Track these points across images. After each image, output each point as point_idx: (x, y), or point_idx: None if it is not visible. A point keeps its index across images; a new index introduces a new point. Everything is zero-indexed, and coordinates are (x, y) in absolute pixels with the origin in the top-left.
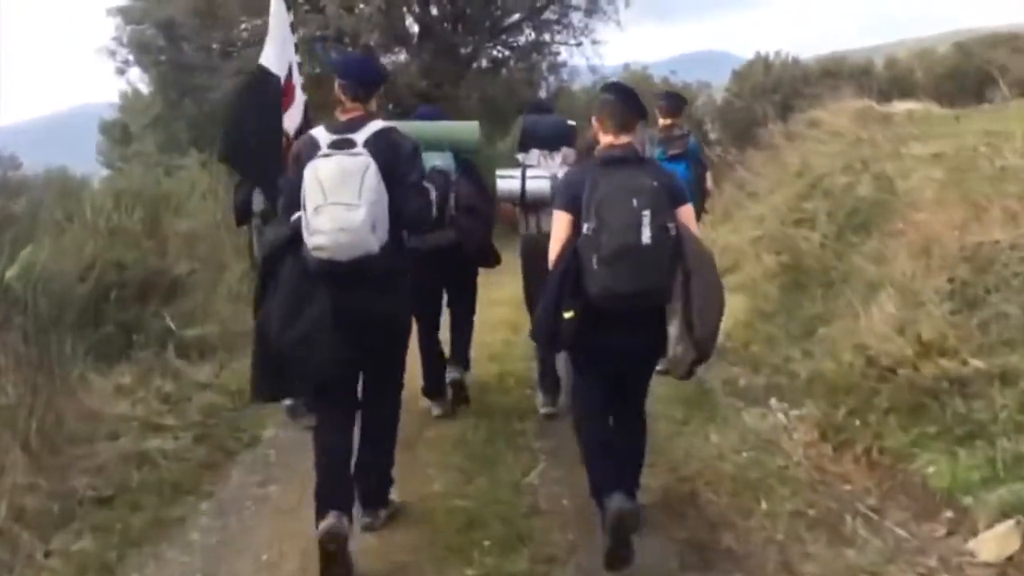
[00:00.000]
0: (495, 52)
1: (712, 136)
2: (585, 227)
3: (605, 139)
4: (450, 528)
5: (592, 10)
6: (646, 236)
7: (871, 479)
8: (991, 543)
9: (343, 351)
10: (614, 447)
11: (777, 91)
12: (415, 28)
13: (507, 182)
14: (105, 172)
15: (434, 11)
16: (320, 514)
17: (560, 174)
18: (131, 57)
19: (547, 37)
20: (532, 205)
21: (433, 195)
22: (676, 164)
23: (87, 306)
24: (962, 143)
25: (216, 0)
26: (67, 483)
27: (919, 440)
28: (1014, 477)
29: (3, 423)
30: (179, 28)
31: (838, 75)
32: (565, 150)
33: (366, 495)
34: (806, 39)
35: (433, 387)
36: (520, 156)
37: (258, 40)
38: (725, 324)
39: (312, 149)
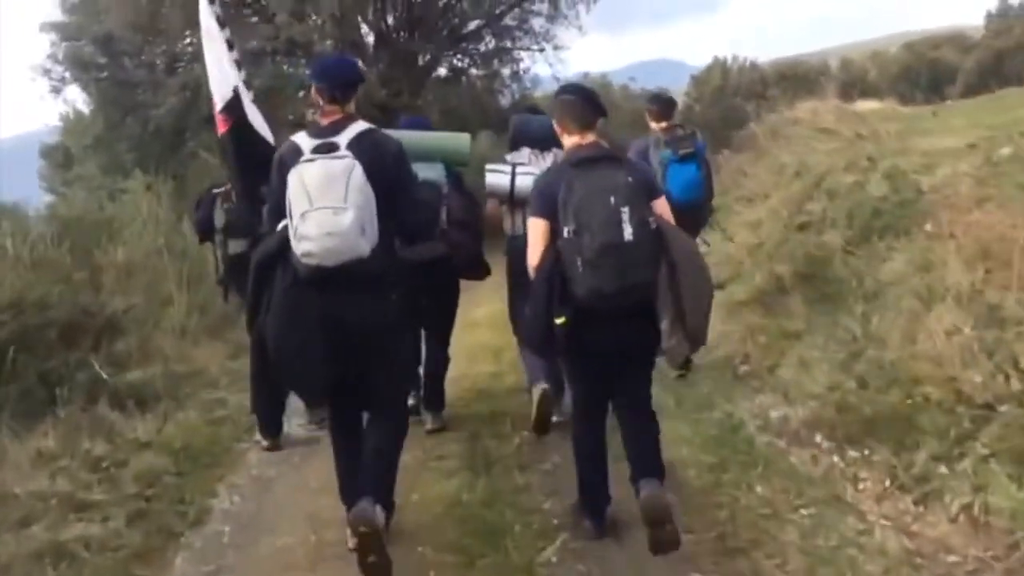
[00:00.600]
0: (455, 60)
1: None
2: (565, 231)
3: (571, 140)
4: None
5: (553, 16)
6: (628, 233)
7: (982, 547)
8: None
9: (337, 364)
10: (604, 448)
11: (736, 95)
12: (370, 37)
13: (496, 177)
14: (48, 199)
15: (390, 19)
16: (349, 506)
17: None
18: (67, 75)
19: (508, 43)
20: (520, 203)
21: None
22: (687, 164)
23: (1, 355)
24: (981, 135)
25: (157, 13)
26: None
27: None
28: None
29: None
30: (118, 43)
31: (793, 78)
32: (556, 151)
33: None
34: (758, 46)
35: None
36: (509, 156)
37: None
38: (739, 344)
39: (295, 155)
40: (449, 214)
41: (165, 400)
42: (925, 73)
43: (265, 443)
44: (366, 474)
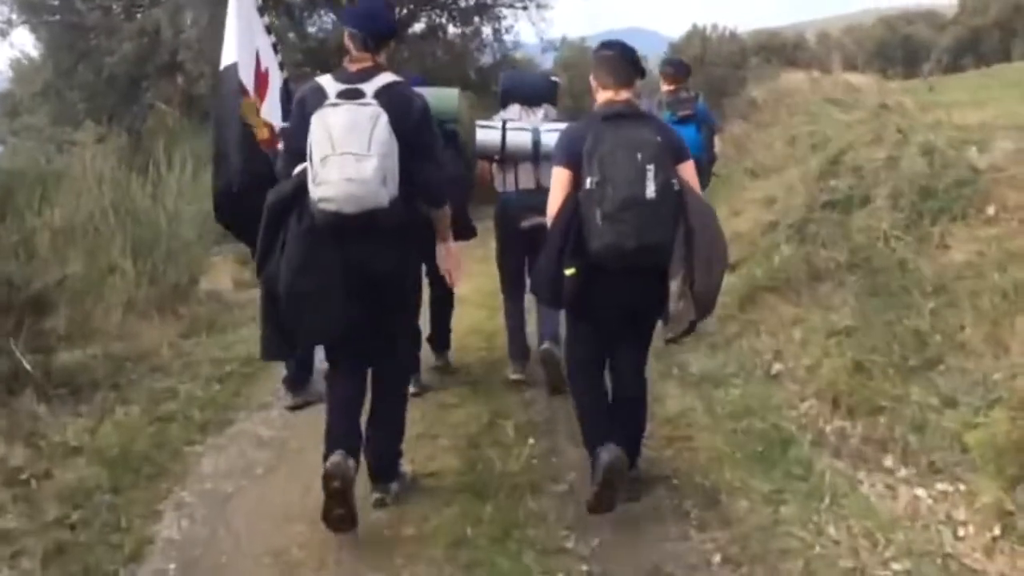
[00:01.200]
0: (433, 15)
1: None
2: (588, 181)
3: (604, 95)
4: None
5: None
6: (651, 190)
7: None
8: None
9: (352, 307)
10: (607, 402)
11: (715, 64)
12: None
13: (487, 133)
14: None
15: None
16: (327, 456)
17: (542, 128)
18: (15, 16)
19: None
20: (511, 159)
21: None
22: (685, 127)
23: None
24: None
25: None
26: None
27: None
28: None
29: None
30: None
31: (771, 49)
32: (547, 106)
33: (375, 468)
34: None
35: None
36: (500, 113)
37: None
38: (768, 337)
39: (319, 98)
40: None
41: (103, 390)
42: (900, 49)
43: (289, 401)
44: (374, 462)
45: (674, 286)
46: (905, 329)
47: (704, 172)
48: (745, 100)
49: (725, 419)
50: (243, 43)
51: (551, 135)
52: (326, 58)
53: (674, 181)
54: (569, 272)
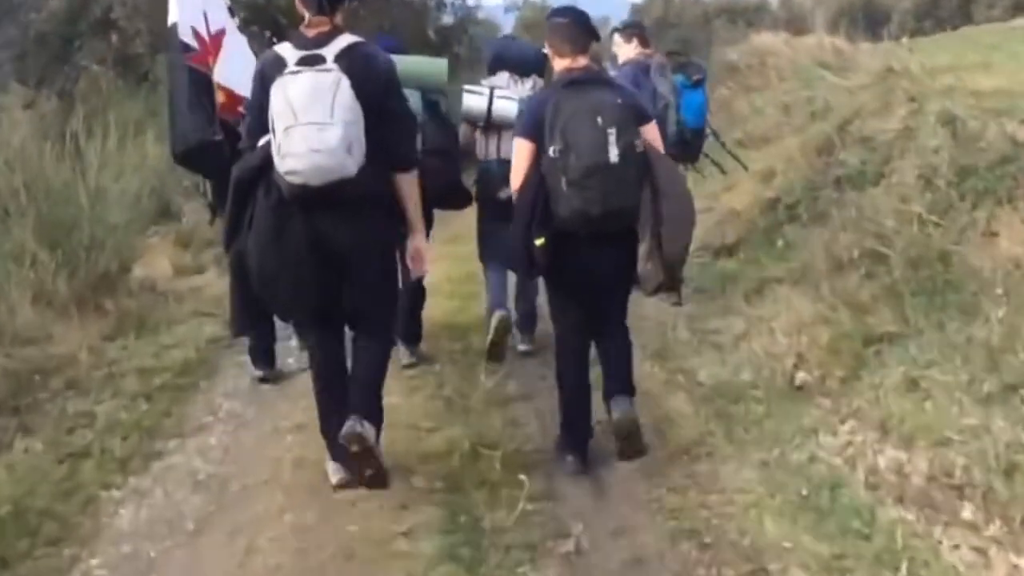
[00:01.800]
0: None
1: None
2: (551, 150)
3: (562, 63)
4: None
5: None
6: (614, 154)
7: None
8: None
9: (323, 281)
10: (588, 393)
11: (677, 27)
12: None
13: (474, 98)
14: None
15: None
16: (326, 432)
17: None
18: None
19: None
20: (495, 127)
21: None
22: (698, 90)
23: None
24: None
25: None
26: None
27: None
28: None
29: None
30: None
31: (735, 12)
32: (536, 78)
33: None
34: None
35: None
36: (486, 80)
37: None
38: (785, 339)
39: (278, 67)
40: (424, 142)
41: (1, 417)
42: (861, 12)
43: (257, 373)
44: (355, 394)
45: (642, 249)
46: (969, 341)
47: (694, 145)
48: (720, 63)
49: (751, 447)
50: (185, 3)
51: None
52: (273, 15)
53: (637, 143)
54: (539, 242)
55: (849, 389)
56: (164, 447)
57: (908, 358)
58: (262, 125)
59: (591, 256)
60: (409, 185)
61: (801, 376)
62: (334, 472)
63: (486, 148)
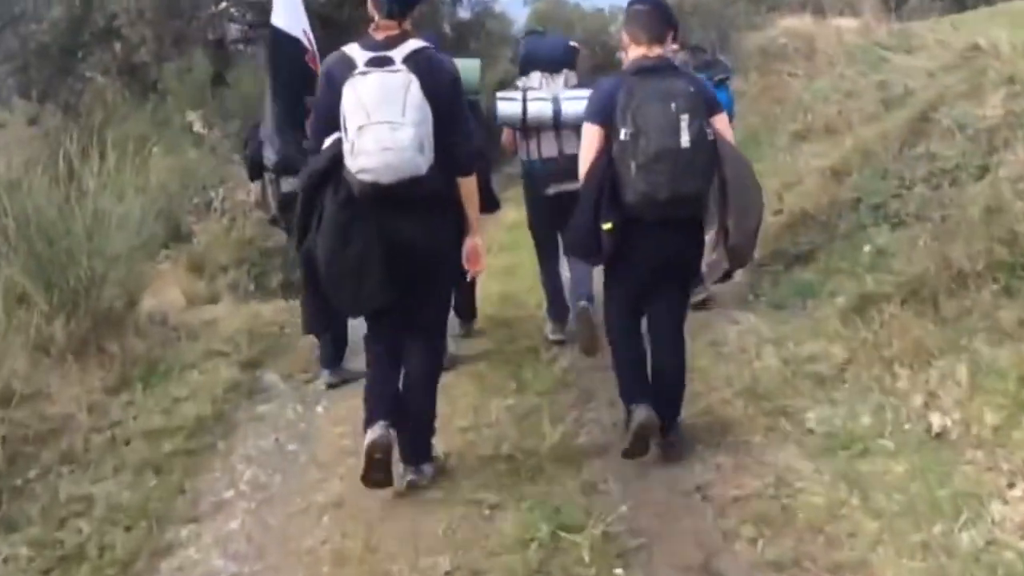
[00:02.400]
0: None
1: None
2: (622, 133)
3: (637, 51)
4: None
5: None
6: (685, 139)
7: None
8: None
9: (392, 279)
10: (644, 361)
11: (694, 13)
12: None
13: (508, 105)
14: None
15: None
16: (368, 423)
17: (562, 96)
18: None
19: None
20: (533, 129)
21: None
22: (721, 89)
23: None
24: None
25: None
26: None
27: None
28: None
29: None
30: None
31: None
32: (567, 72)
33: (409, 448)
34: None
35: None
36: (520, 81)
37: None
38: (909, 373)
39: (347, 68)
40: None
41: None
42: None
43: (327, 379)
44: (411, 397)
45: (709, 237)
46: None
47: None
48: (752, 48)
49: (902, 522)
50: (290, 7)
51: (571, 103)
52: None
53: (708, 131)
54: (607, 227)
55: (1006, 438)
56: (176, 537)
57: None
58: (328, 125)
59: (655, 243)
60: (468, 187)
61: (938, 421)
62: (369, 434)
63: (527, 149)
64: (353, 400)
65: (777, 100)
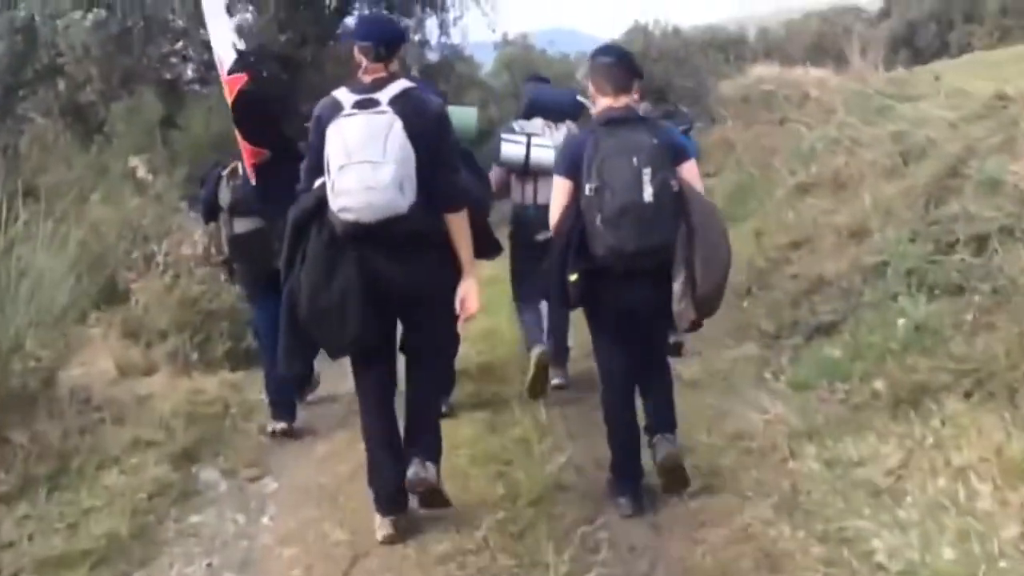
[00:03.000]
0: (367, 5)
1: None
2: (587, 188)
3: (603, 102)
4: None
5: None
6: (648, 194)
7: None
8: None
9: (374, 320)
10: (636, 427)
11: (659, 61)
12: None
13: (512, 147)
14: None
15: None
16: (374, 483)
17: None
18: None
19: None
20: (532, 173)
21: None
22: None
23: None
24: None
25: None
26: None
27: None
28: None
29: None
30: None
31: (716, 45)
32: (570, 123)
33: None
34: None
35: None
36: (518, 124)
37: None
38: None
39: (334, 110)
40: None
41: None
42: (837, 43)
43: (277, 426)
44: (414, 425)
45: (677, 286)
46: None
47: None
48: (726, 96)
49: None
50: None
51: None
52: None
53: (673, 182)
54: (572, 278)
55: None
56: None
57: None
58: (318, 167)
59: (627, 293)
60: (458, 225)
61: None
62: (380, 527)
63: (523, 193)
64: (306, 510)
65: (771, 150)
